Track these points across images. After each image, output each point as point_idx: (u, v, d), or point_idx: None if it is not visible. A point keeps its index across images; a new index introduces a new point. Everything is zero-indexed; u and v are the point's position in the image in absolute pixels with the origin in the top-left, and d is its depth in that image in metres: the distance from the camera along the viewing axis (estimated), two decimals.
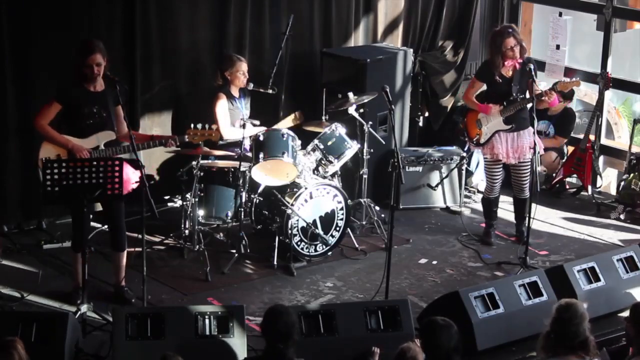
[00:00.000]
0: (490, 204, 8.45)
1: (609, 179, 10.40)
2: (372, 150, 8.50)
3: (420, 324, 5.59)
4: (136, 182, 6.61)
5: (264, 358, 5.35)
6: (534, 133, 7.77)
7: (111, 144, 6.80)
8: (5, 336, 5.48)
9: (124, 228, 7.00)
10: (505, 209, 8.72)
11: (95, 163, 6.29)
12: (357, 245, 8.18)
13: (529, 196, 7.96)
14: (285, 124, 8.37)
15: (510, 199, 8.55)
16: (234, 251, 7.78)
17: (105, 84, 6.80)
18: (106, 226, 7.43)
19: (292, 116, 8.47)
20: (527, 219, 7.89)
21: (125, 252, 7.04)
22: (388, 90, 7.10)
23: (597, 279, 7.02)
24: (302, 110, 8.58)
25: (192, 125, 7.14)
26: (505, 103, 7.99)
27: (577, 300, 5.18)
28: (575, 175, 9.66)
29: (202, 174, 7.73)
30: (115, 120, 6.84)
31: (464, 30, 10.28)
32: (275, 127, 8.21)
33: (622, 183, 9.25)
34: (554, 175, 9.72)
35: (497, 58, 7.95)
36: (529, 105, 7.90)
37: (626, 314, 6.77)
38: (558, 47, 10.01)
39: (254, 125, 8.10)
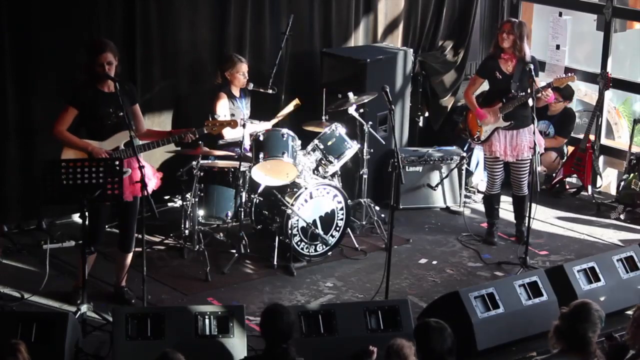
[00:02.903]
0: (492, 201, 8.46)
1: (609, 179, 10.40)
2: (372, 150, 8.50)
3: (414, 327, 5.57)
4: (157, 182, 6.69)
5: (264, 358, 5.35)
6: (533, 132, 7.78)
7: (130, 143, 6.75)
8: (6, 336, 5.50)
9: (134, 230, 7.00)
10: (506, 209, 8.72)
11: (94, 163, 6.29)
12: (357, 245, 8.18)
13: (529, 196, 7.96)
14: (285, 112, 8.36)
15: (510, 199, 8.55)
16: (234, 251, 7.78)
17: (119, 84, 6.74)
18: (107, 226, 7.43)
19: (292, 104, 8.43)
20: (527, 219, 7.89)
21: (131, 254, 7.04)
22: (388, 90, 7.10)
23: (597, 279, 7.02)
24: (302, 108, 8.56)
25: (210, 117, 7.05)
26: (504, 100, 8.00)
27: (596, 308, 5.13)
28: (575, 175, 9.66)
29: (202, 174, 7.73)
30: (134, 120, 6.81)
31: (464, 30, 10.29)
32: (274, 120, 8.23)
33: (622, 183, 9.25)
34: (554, 175, 9.72)
35: (496, 45, 8.05)
36: (530, 103, 7.88)
37: (626, 314, 6.81)
38: (558, 47, 10.01)
39: (252, 123, 8.10)
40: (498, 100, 8.06)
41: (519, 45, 7.92)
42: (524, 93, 7.88)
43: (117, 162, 6.34)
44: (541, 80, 8.41)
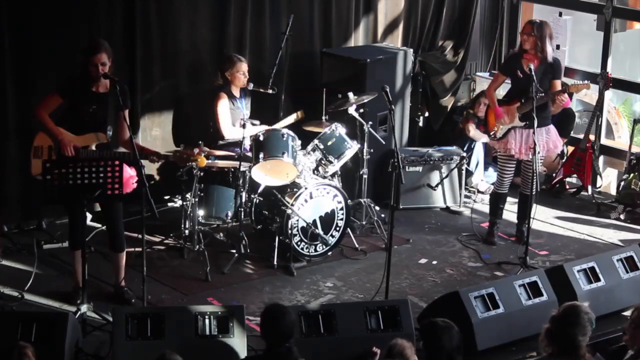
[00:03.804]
0: (498, 200, 8.45)
1: (609, 179, 10.40)
2: (372, 150, 8.50)
3: (421, 326, 5.59)
4: (134, 182, 6.62)
5: (265, 358, 5.34)
6: (533, 133, 7.77)
7: (103, 146, 6.78)
8: (5, 336, 5.50)
9: (122, 228, 7.00)
10: (506, 209, 8.71)
11: (95, 163, 6.29)
12: (357, 245, 8.18)
13: (530, 195, 7.95)
14: (286, 123, 8.36)
15: (511, 200, 8.55)
16: (234, 251, 7.78)
17: (110, 86, 6.77)
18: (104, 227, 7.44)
19: (294, 115, 8.45)
20: (527, 218, 7.89)
21: (124, 252, 7.03)
22: (388, 90, 7.10)
23: (597, 279, 7.01)
24: (303, 110, 8.57)
25: (181, 146, 7.02)
26: (522, 100, 7.99)
27: (586, 311, 5.13)
28: (575, 175, 9.66)
29: (202, 174, 7.73)
30: (117, 125, 6.82)
31: (464, 30, 10.29)
32: (276, 125, 8.22)
33: (622, 183, 9.25)
34: (554, 175, 9.72)
35: (521, 45, 8.05)
36: (530, 105, 7.86)
37: (626, 314, 6.81)
38: (558, 47, 10.01)
39: (254, 124, 8.10)
40: (517, 99, 8.05)
41: (540, 46, 7.91)
42: (542, 94, 7.87)
43: (116, 163, 6.35)
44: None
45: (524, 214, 8.30)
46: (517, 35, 9.44)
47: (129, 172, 6.63)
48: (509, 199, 8.63)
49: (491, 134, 8.27)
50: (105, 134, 6.74)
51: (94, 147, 6.75)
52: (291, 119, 8.42)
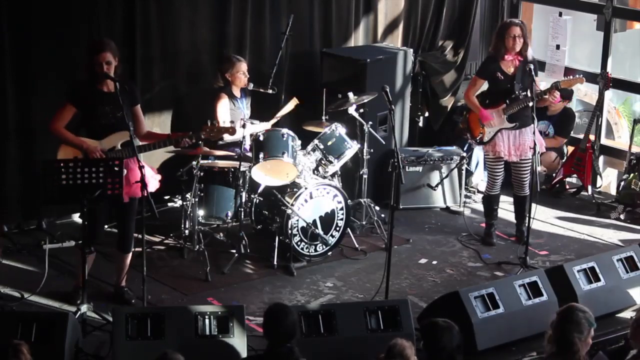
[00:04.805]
0: (491, 202, 8.45)
1: (609, 179, 10.40)
2: (372, 150, 8.50)
3: (421, 326, 5.60)
4: (156, 184, 6.67)
5: (266, 358, 5.34)
6: (533, 132, 7.78)
7: (128, 144, 6.72)
8: (5, 336, 5.50)
9: (133, 230, 6.99)
10: (506, 209, 8.72)
11: (94, 163, 6.29)
12: (357, 245, 8.18)
13: (529, 195, 7.95)
14: (284, 112, 8.37)
15: (510, 199, 8.55)
16: (234, 251, 7.78)
17: (119, 85, 6.72)
18: (106, 226, 7.43)
19: (290, 103, 8.43)
20: (527, 218, 7.89)
21: (131, 254, 7.03)
22: (388, 90, 7.10)
23: (597, 279, 7.01)
24: (302, 108, 8.56)
25: (208, 122, 7.03)
26: (508, 101, 7.99)
27: (582, 309, 5.14)
28: (575, 175, 9.66)
29: (202, 174, 7.73)
30: (134, 121, 6.80)
31: (464, 30, 10.29)
32: (276, 116, 8.25)
33: (622, 183, 9.25)
34: (554, 175, 9.72)
35: (500, 48, 7.98)
36: (531, 104, 7.87)
37: (626, 314, 6.83)
38: (558, 47, 10.01)
39: (253, 124, 8.10)
40: (502, 101, 8.04)
41: (527, 46, 7.94)
42: (525, 94, 7.87)
43: (116, 162, 6.34)
44: (541, 80, 8.40)
45: (522, 214, 8.29)
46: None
47: (150, 172, 6.65)
48: (507, 198, 8.63)
49: (477, 138, 8.26)
50: (128, 130, 6.57)
51: (119, 147, 6.72)
52: (289, 107, 8.40)
